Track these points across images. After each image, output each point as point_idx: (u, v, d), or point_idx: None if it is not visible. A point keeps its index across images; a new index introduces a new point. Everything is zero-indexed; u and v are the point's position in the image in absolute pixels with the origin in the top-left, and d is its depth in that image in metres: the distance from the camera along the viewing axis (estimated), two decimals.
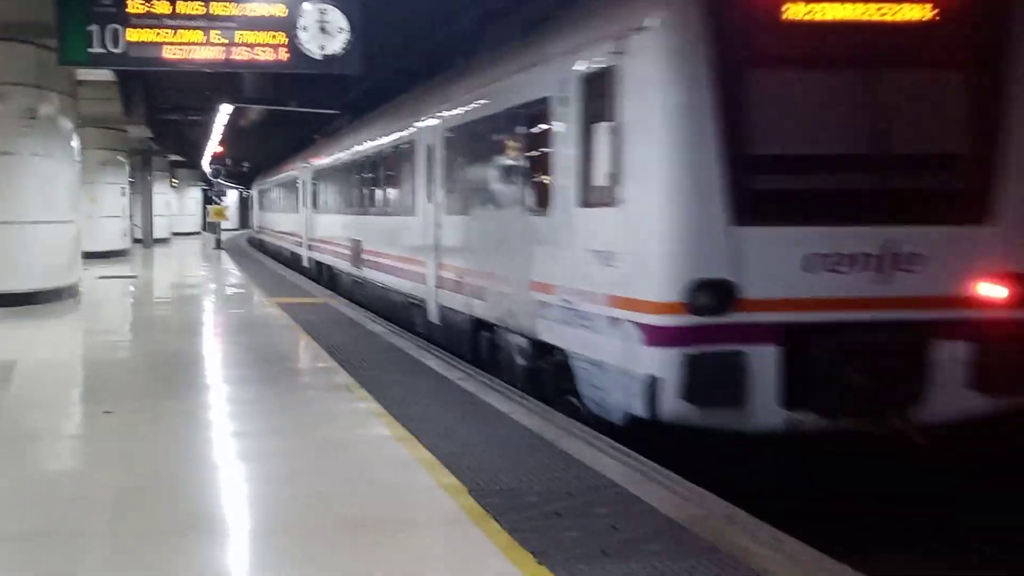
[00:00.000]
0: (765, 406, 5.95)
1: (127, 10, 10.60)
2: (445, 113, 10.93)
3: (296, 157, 27.86)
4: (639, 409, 6.14)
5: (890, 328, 6.02)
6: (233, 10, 10.94)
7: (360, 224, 16.46)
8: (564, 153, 7.28)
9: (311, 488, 5.76)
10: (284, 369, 10.04)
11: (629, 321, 6.21)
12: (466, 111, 9.99)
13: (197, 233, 54.35)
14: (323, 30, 11.29)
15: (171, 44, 10.77)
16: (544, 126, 7.66)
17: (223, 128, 30.13)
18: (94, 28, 10.56)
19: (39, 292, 15.45)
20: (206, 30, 10.83)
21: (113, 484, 5.85)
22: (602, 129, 6.58)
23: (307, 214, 22.89)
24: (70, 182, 16.45)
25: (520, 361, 8.57)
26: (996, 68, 6.12)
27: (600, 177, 6.66)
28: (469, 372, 9.57)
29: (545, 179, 7.64)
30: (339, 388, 8.77)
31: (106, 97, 22.75)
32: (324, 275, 20.88)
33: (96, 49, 10.60)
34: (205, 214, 41.77)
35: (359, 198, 16.53)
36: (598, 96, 6.67)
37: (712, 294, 5.85)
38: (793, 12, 5.88)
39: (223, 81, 19.11)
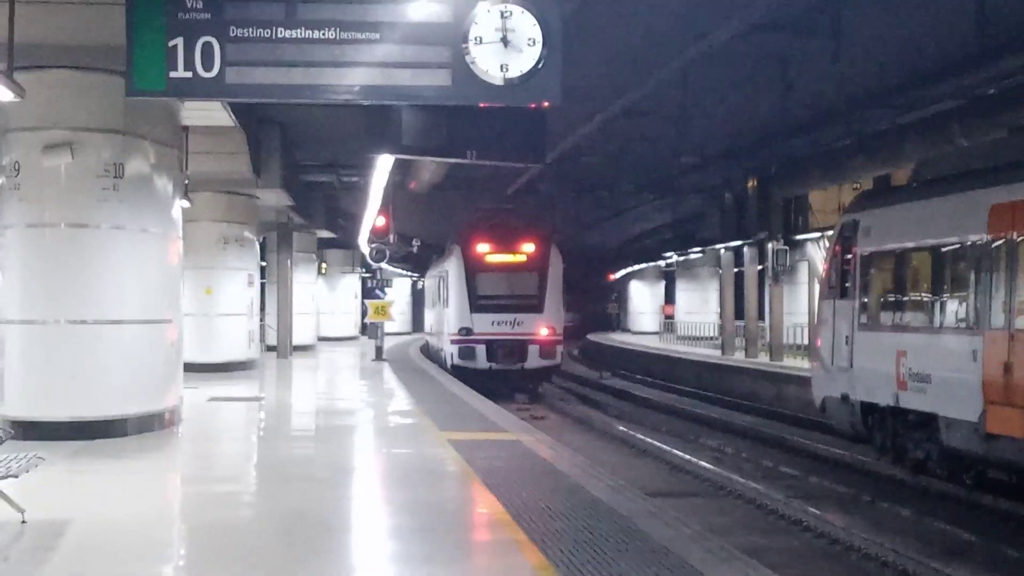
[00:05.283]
0: (482, 361, 34.01)
1: (225, 17, 10.51)
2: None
3: None
4: (452, 362, 34.83)
5: (514, 342, 34.04)
6: (375, 14, 10.69)
7: None
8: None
9: None
10: (450, 543, 9.85)
11: (450, 337, 35.15)
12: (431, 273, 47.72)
13: (353, 338, 55.73)
14: (506, 42, 10.89)
15: (288, 65, 10.59)
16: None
17: (386, 193, 30.56)
18: (178, 43, 10.51)
19: (120, 420, 15.65)
20: (338, 44, 10.61)
21: None
22: (443, 281, 38.61)
23: None
24: (169, 266, 16.72)
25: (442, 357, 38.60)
26: (545, 270, 35.01)
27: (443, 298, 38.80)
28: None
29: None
30: None
31: (227, 151, 23.37)
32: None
33: (180, 74, 10.53)
34: (364, 312, 42.64)
35: None
36: (442, 272, 39.34)
37: (465, 330, 34.21)
38: (489, 257, 35.04)
39: (380, 124, 19.18)
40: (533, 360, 33.88)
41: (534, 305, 34.39)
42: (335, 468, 14.51)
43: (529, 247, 34.97)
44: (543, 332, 34.04)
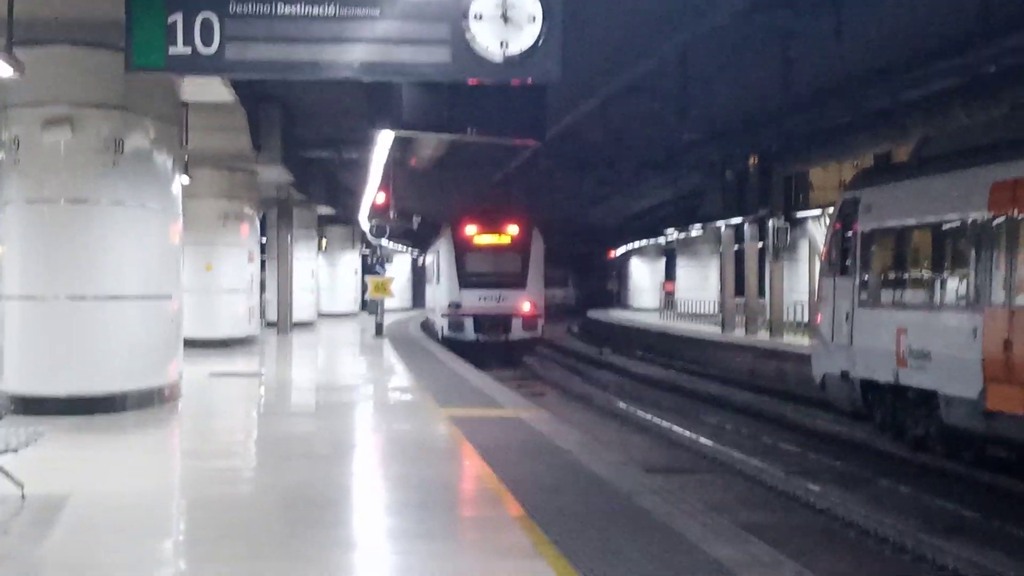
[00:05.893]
0: (470, 333, 38.12)
1: None
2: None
3: None
4: (443, 334, 39.45)
5: (499, 315, 38.13)
6: None
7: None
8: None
9: None
10: (449, 519, 9.94)
11: (442, 312, 39.96)
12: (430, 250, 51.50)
13: (353, 314, 55.76)
14: (506, 18, 10.83)
15: (288, 41, 10.57)
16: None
17: (387, 169, 30.49)
18: (177, 18, 10.47)
19: (120, 395, 15.66)
20: (337, 20, 10.58)
21: None
22: (437, 260, 43.94)
23: None
24: (169, 242, 16.72)
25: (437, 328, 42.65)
26: (527, 251, 39.15)
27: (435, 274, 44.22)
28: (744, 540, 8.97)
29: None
30: (525, 553, 8.53)
31: (227, 127, 23.35)
32: None
33: (179, 49, 10.51)
34: (364, 288, 42.84)
35: None
36: (436, 251, 44.99)
37: (455, 305, 38.42)
38: (477, 239, 39.27)
39: (380, 100, 19.12)
40: (516, 332, 38.27)
41: (517, 282, 38.73)
42: (335, 444, 14.51)
43: (513, 229, 39.20)
44: (526, 307, 38.38)
